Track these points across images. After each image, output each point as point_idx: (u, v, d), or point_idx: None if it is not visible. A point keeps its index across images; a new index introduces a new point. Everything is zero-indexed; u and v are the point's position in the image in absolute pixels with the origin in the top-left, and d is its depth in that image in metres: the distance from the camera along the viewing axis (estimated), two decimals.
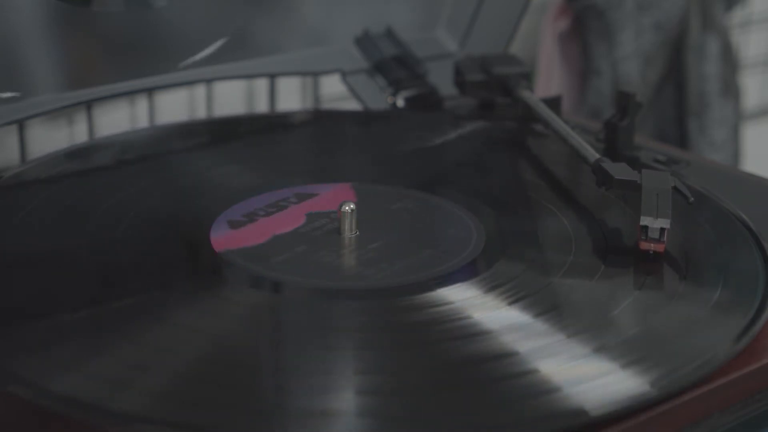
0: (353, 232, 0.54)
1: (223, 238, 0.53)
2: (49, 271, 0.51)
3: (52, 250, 0.52)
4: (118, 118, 0.83)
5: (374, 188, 0.59)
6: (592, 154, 0.58)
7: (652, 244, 0.52)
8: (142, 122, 0.81)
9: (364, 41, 0.74)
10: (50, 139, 0.80)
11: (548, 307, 0.48)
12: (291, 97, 0.89)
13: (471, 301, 0.49)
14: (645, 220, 0.52)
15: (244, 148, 0.66)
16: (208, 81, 0.74)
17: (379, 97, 0.72)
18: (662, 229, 0.52)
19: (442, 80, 0.72)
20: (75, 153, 0.64)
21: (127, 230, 0.54)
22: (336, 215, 0.54)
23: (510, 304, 0.48)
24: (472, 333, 0.46)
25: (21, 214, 0.55)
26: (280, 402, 0.43)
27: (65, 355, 0.45)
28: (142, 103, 0.83)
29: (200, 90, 0.85)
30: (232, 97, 0.89)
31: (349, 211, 0.54)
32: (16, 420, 0.43)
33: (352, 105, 0.75)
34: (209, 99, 0.83)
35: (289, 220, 0.55)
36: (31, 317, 0.47)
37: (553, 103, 0.67)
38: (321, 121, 0.71)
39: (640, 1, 1.03)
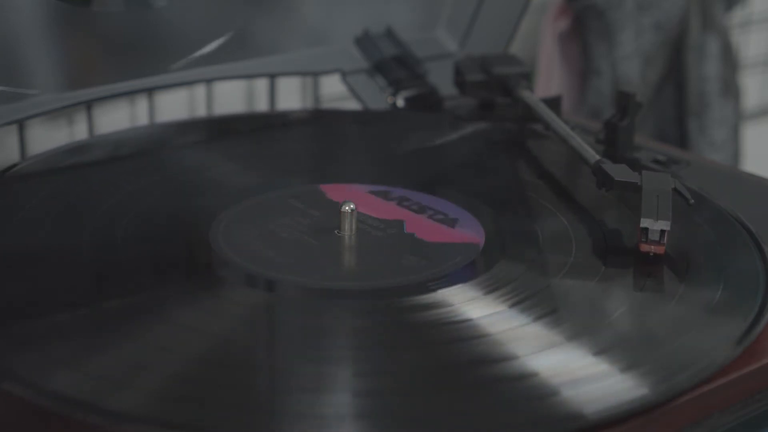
0: (353, 232, 0.54)
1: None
2: (47, 270, 0.51)
3: (50, 249, 0.52)
4: (118, 118, 0.83)
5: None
6: (592, 155, 0.58)
7: (652, 246, 0.52)
8: (142, 122, 0.81)
9: (364, 41, 0.74)
10: (50, 139, 0.80)
11: (548, 308, 0.48)
12: (291, 97, 0.89)
13: (470, 303, 0.49)
14: (645, 222, 0.52)
15: (243, 148, 0.66)
16: (208, 81, 0.74)
17: (379, 97, 0.72)
18: (662, 231, 0.52)
19: (442, 80, 0.72)
20: (74, 151, 0.64)
21: (125, 229, 0.54)
22: (336, 215, 0.54)
23: (510, 305, 0.48)
24: (471, 335, 0.46)
25: (20, 211, 0.55)
26: (278, 402, 0.43)
27: (64, 353, 0.45)
28: (142, 103, 0.83)
29: (200, 90, 0.85)
30: (232, 97, 0.89)
31: (349, 211, 0.54)
32: (14, 419, 0.43)
33: (352, 105, 0.75)
34: (209, 99, 0.83)
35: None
36: (29, 315, 0.47)
37: (553, 103, 0.67)
38: (321, 120, 0.71)
39: (640, 1, 1.03)
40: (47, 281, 0.50)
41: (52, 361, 0.44)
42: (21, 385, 0.42)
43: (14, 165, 0.61)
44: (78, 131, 0.82)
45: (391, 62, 0.73)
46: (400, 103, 0.71)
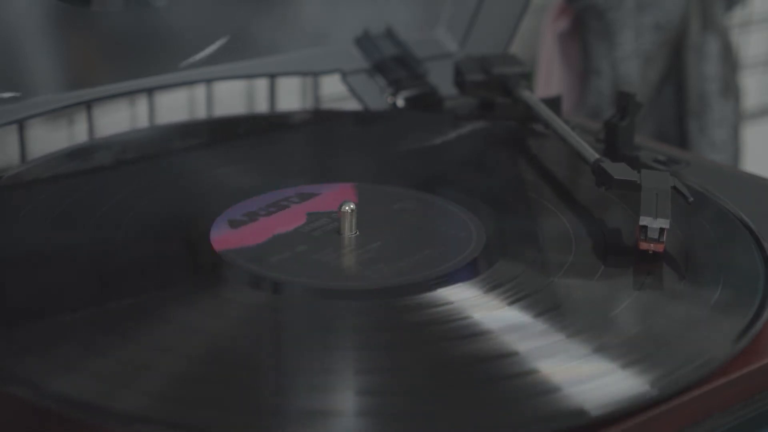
0: (353, 232, 0.54)
1: (223, 237, 0.53)
2: (49, 271, 0.51)
3: (52, 250, 0.52)
4: (118, 118, 0.83)
5: (376, 188, 0.59)
6: (592, 154, 0.58)
7: (651, 245, 0.52)
8: (142, 122, 0.81)
9: (364, 41, 0.74)
10: (50, 139, 0.80)
11: (548, 307, 0.48)
12: (291, 97, 0.89)
13: (471, 301, 0.49)
14: (644, 220, 0.52)
15: (244, 148, 0.66)
16: (208, 81, 0.74)
17: (379, 97, 0.72)
18: (661, 230, 0.52)
19: (442, 80, 0.72)
20: (75, 153, 0.64)
21: (126, 230, 0.54)
22: (336, 215, 0.54)
23: (510, 304, 0.48)
24: (472, 333, 0.46)
25: (21, 214, 0.55)
26: (279, 402, 0.43)
27: (65, 355, 0.45)
28: (142, 103, 0.83)
29: (200, 90, 0.85)
30: (232, 97, 0.89)
31: (349, 211, 0.54)
32: (15, 420, 0.43)
33: (352, 105, 0.75)
34: (209, 99, 0.83)
35: (290, 220, 0.55)
36: (31, 317, 0.47)
37: (553, 103, 0.67)
38: (321, 121, 0.71)
39: (640, 1, 1.03)
40: (48, 283, 0.50)
41: (53, 362, 0.44)
42: (23, 387, 0.42)
43: (15, 168, 0.61)
44: (78, 131, 0.82)
45: (391, 62, 0.73)
46: (400, 103, 0.71)
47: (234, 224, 0.54)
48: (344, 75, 0.74)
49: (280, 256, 0.52)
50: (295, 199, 0.57)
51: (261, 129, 0.69)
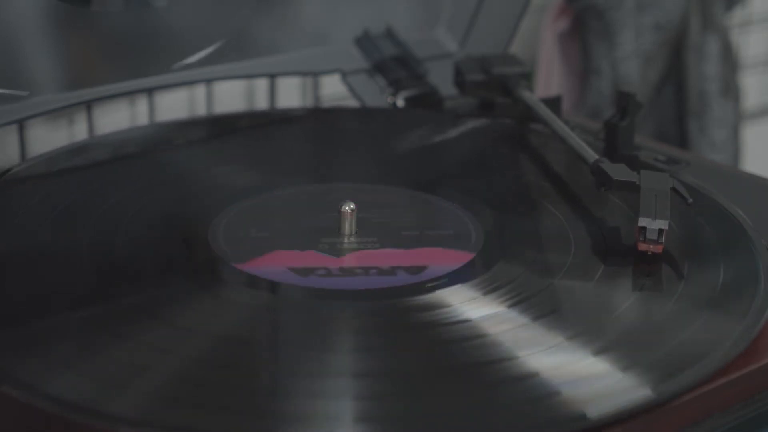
0: (353, 232, 0.54)
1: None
2: (47, 271, 0.51)
3: (50, 250, 0.52)
4: (118, 118, 0.83)
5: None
6: (591, 154, 0.58)
7: (650, 246, 0.52)
8: (142, 122, 0.81)
9: (364, 41, 0.74)
10: (50, 139, 0.80)
11: (548, 308, 0.48)
12: (291, 97, 0.89)
13: (470, 303, 0.49)
14: (643, 221, 0.52)
15: (243, 147, 0.66)
16: (208, 81, 0.74)
17: (379, 97, 0.72)
18: (660, 231, 0.52)
19: (442, 80, 0.72)
20: (74, 151, 0.64)
21: (125, 230, 0.54)
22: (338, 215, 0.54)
23: (509, 305, 0.48)
24: (471, 335, 0.46)
25: (20, 212, 0.55)
26: (278, 403, 0.43)
27: (63, 355, 0.45)
28: (142, 103, 0.83)
29: (200, 90, 0.85)
30: (232, 97, 0.89)
31: (349, 211, 0.54)
32: (13, 421, 0.43)
33: (352, 105, 0.75)
34: (209, 99, 0.83)
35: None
36: (29, 317, 0.47)
37: (553, 103, 0.67)
38: (321, 119, 0.71)
39: (640, 1, 1.03)
40: (48, 282, 0.50)
41: (51, 363, 0.44)
42: (21, 388, 0.42)
43: (14, 166, 0.61)
44: (78, 131, 0.82)
45: (391, 62, 0.73)
46: (400, 103, 0.71)
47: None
48: (344, 75, 0.74)
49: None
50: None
51: (260, 127, 0.69)
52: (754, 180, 0.63)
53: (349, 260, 0.52)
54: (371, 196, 0.58)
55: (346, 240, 0.53)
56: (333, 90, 0.80)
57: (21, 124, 0.67)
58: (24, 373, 0.43)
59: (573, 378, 0.44)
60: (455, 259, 0.52)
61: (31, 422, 0.42)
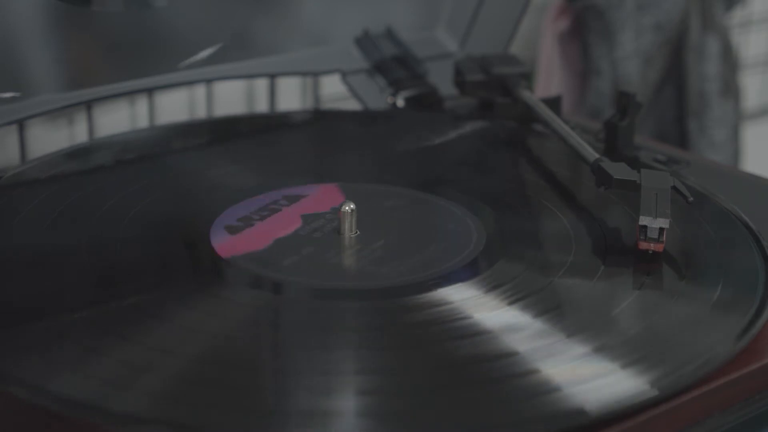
0: (353, 233, 0.54)
1: (226, 244, 0.53)
2: (48, 271, 0.51)
3: (51, 250, 0.52)
4: (118, 118, 0.83)
5: (363, 187, 0.59)
6: (592, 153, 0.58)
7: (651, 244, 0.52)
8: (142, 122, 0.81)
9: (364, 41, 0.74)
10: (50, 139, 0.80)
11: (548, 306, 0.48)
12: (291, 97, 0.89)
13: (471, 301, 0.49)
14: (644, 220, 0.52)
15: (243, 148, 0.66)
16: (208, 81, 0.74)
17: (379, 97, 0.72)
18: (661, 229, 0.52)
19: (442, 80, 0.72)
20: (75, 153, 0.64)
21: (126, 230, 0.54)
22: (331, 215, 0.54)
23: (510, 303, 0.48)
24: (472, 333, 0.46)
25: (21, 214, 0.55)
26: (280, 402, 0.43)
27: (65, 355, 0.45)
28: (142, 103, 0.83)
29: (200, 90, 0.85)
30: (232, 97, 0.89)
31: (350, 211, 0.54)
32: (15, 420, 0.43)
33: (352, 105, 0.75)
34: (209, 99, 0.83)
35: (286, 224, 0.55)
36: (30, 317, 0.47)
37: (553, 103, 0.67)
38: (321, 121, 0.71)
39: (640, 1, 1.03)
40: (48, 283, 0.50)
41: (54, 363, 0.44)
42: (23, 388, 0.42)
43: (14, 168, 0.61)
44: (78, 131, 0.82)
45: (391, 62, 0.73)
46: (400, 103, 0.71)
47: (232, 230, 0.54)
48: (344, 75, 0.74)
49: (279, 256, 0.52)
50: (284, 202, 0.57)
51: (260, 129, 0.69)
52: (754, 180, 0.63)
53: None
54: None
55: (346, 240, 0.53)
56: (333, 90, 0.80)
57: (21, 124, 0.67)
58: (27, 373, 0.43)
59: (573, 376, 0.44)
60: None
61: (33, 421, 0.42)
